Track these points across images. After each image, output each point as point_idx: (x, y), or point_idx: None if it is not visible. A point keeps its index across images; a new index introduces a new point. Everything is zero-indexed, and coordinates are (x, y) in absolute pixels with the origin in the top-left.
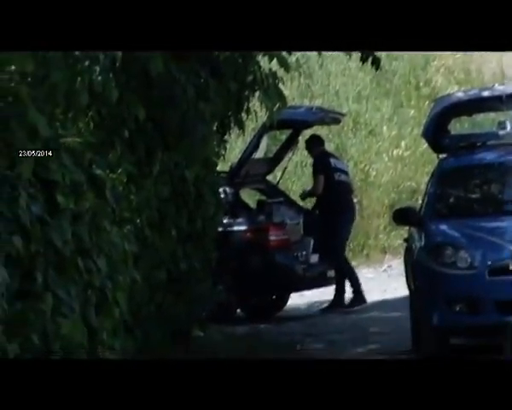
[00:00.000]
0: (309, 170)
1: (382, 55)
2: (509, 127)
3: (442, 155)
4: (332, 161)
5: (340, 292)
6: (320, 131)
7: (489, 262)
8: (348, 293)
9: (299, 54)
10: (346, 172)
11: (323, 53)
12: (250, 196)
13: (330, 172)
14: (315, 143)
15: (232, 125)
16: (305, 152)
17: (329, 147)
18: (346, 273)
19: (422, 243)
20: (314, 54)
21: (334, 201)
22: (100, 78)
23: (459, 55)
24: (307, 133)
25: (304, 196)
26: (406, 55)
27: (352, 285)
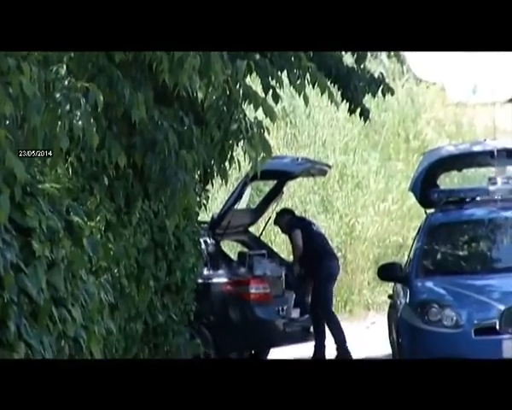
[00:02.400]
0: None
1: (372, 106)
2: (499, 183)
3: (430, 210)
4: (304, 218)
5: (319, 347)
6: (305, 182)
7: (475, 321)
8: (331, 349)
9: (285, 103)
10: (320, 229)
11: (311, 103)
12: (231, 248)
13: (306, 225)
14: (283, 215)
15: (215, 174)
16: (289, 203)
17: (314, 199)
18: (333, 328)
19: (407, 299)
20: (301, 104)
21: (316, 251)
22: (80, 122)
23: (450, 106)
24: (292, 184)
25: (293, 264)
26: (396, 106)
27: (337, 342)
